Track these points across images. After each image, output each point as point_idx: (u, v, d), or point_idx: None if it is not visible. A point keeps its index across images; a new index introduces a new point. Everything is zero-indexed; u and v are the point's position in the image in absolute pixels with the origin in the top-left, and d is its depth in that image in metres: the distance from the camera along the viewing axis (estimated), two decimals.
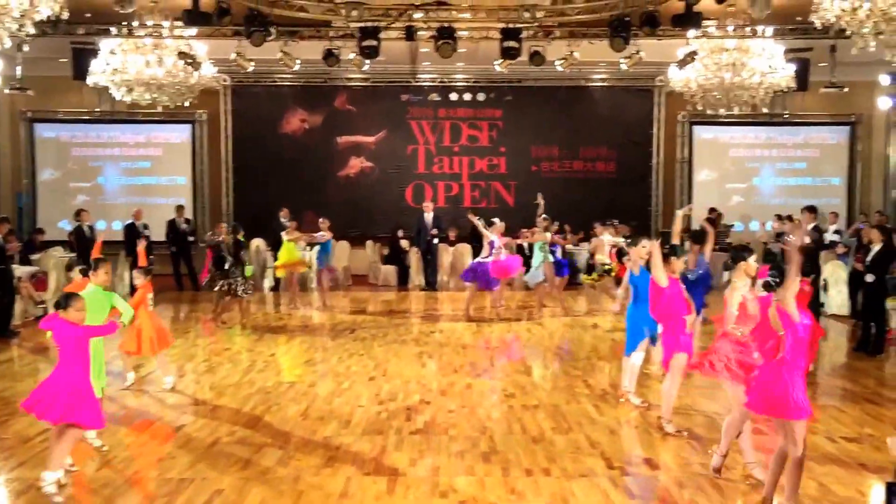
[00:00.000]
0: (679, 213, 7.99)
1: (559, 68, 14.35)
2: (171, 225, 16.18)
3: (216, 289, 11.87)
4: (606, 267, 13.40)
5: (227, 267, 11.75)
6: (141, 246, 8.70)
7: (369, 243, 17.60)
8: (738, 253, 5.95)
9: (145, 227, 15.51)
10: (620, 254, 11.44)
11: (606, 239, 14.29)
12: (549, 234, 12.69)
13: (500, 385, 8.53)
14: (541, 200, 12.33)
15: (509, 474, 5.79)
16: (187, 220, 16.67)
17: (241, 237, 12.04)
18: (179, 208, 16.64)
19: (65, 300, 5.51)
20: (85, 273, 7.07)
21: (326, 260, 14.30)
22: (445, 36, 12.52)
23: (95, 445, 6.24)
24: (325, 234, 13.91)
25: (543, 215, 12.64)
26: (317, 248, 14.61)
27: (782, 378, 4.83)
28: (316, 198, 17.91)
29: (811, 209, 12.67)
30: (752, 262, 5.85)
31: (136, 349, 7.99)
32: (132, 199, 17.98)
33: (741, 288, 5.77)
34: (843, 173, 18.87)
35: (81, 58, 14.45)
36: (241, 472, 5.84)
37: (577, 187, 18.38)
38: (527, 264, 13.82)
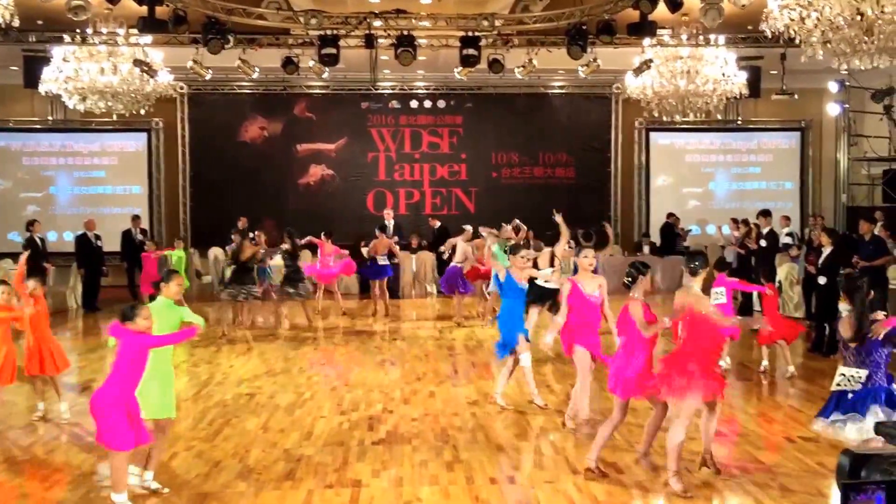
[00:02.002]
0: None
1: (518, 76, 14.47)
2: (127, 236, 15.87)
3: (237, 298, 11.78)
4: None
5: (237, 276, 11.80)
6: (23, 258, 8.16)
7: None
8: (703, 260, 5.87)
9: (97, 237, 15.19)
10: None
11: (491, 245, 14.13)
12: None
13: (463, 392, 8.51)
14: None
15: (474, 482, 5.78)
16: (143, 231, 16.37)
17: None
18: (135, 218, 16.34)
19: (130, 311, 5.26)
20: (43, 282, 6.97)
21: (268, 276, 13.12)
22: (405, 44, 12.53)
23: (153, 488, 5.71)
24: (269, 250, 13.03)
25: (515, 222, 12.75)
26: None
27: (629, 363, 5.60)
28: (276, 206, 17.77)
29: (766, 213, 12.98)
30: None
31: (38, 369, 7.38)
32: (85, 210, 17.60)
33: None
34: (795, 177, 19.33)
35: (33, 65, 14.13)
36: (200, 486, 5.73)
37: (537, 193, 18.50)
38: None
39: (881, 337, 5.05)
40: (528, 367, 7.56)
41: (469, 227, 13.34)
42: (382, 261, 13.64)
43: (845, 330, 5.18)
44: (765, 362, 9.62)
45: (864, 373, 5.07)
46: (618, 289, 6.43)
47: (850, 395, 5.12)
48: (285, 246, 12.76)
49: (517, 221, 12.84)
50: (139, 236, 15.94)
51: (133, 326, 5.22)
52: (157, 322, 5.41)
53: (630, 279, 5.77)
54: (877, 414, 4.98)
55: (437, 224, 17.06)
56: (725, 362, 9.40)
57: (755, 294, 11.05)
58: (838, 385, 5.18)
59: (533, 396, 7.74)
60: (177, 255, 13.60)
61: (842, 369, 5.20)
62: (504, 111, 18.60)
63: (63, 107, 15.87)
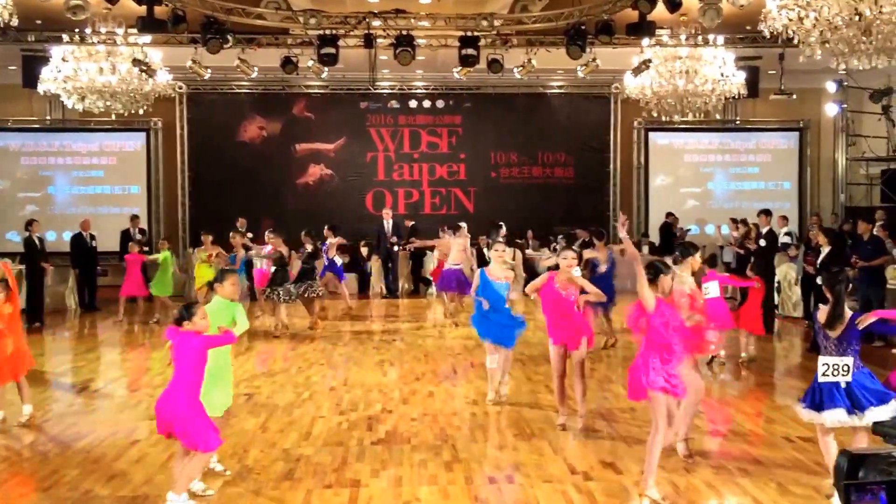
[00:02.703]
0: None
1: (517, 75, 14.48)
2: (126, 235, 15.86)
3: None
4: None
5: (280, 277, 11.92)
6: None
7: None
8: (685, 249, 6.56)
9: (93, 237, 15.18)
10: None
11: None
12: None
13: (462, 392, 8.51)
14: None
15: (473, 482, 5.78)
16: (142, 231, 16.36)
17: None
18: (134, 218, 16.33)
19: (186, 311, 5.18)
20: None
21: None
22: (404, 44, 12.53)
23: (217, 470, 5.91)
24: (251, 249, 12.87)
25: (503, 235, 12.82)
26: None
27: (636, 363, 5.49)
28: (274, 206, 17.77)
29: (766, 212, 12.97)
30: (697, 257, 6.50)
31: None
32: (84, 210, 17.59)
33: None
34: (793, 177, 19.34)
35: (32, 65, 14.12)
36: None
37: (536, 193, 18.53)
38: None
39: (862, 327, 5.17)
40: (492, 367, 7.86)
41: (464, 225, 13.46)
42: (339, 261, 13.68)
43: (822, 317, 5.31)
44: (747, 352, 9.86)
45: (849, 361, 5.18)
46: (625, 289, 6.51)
47: (843, 385, 5.18)
48: (309, 247, 12.39)
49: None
50: (138, 236, 15.93)
51: (191, 326, 5.15)
52: (215, 323, 5.36)
53: (652, 277, 5.60)
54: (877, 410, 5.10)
55: (411, 224, 17.02)
56: (720, 356, 9.58)
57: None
58: (825, 375, 5.23)
59: (489, 391, 7.96)
60: (162, 256, 13.38)
61: (824, 359, 5.26)
62: (503, 111, 18.60)
63: (62, 106, 15.85)
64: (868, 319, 5.20)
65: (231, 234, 12.85)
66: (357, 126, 18.58)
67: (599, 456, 6.32)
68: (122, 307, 13.51)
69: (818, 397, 5.25)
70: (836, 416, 5.16)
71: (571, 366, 7.00)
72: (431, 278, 13.76)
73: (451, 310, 13.15)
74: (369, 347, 11.08)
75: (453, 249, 13.10)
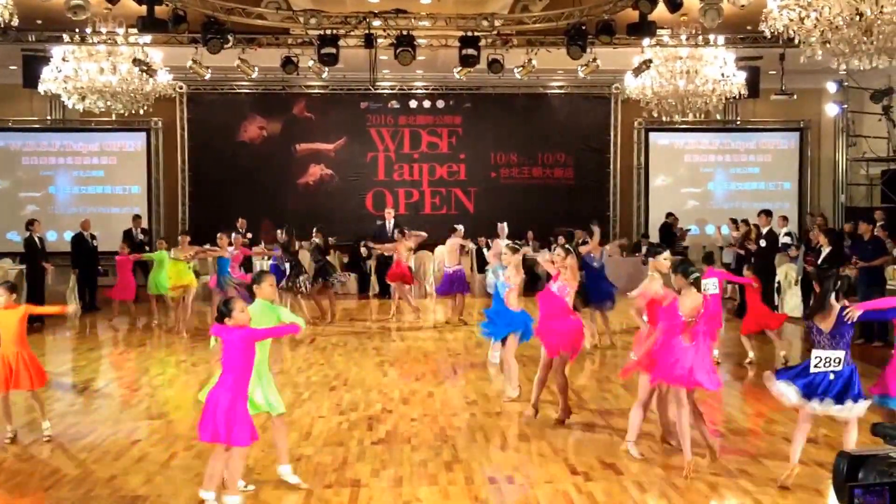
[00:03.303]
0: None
1: (517, 76, 14.46)
2: (128, 235, 15.86)
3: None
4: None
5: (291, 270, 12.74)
6: None
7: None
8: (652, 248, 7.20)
9: (93, 237, 15.18)
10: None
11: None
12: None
13: (462, 392, 8.52)
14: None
15: (473, 482, 5.78)
16: (144, 231, 16.36)
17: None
18: (136, 218, 16.35)
19: (225, 307, 5.15)
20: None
21: (226, 282, 11.78)
22: (404, 44, 12.53)
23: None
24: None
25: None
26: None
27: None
28: (275, 206, 17.77)
29: (767, 213, 12.99)
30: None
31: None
32: (84, 209, 17.59)
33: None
34: (793, 178, 19.32)
35: (32, 65, 14.10)
36: (199, 487, 5.72)
37: (536, 193, 18.52)
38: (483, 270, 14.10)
39: (848, 319, 5.43)
40: (496, 362, 8.31)
41: (460, 227, 13.51)
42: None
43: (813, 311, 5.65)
44: (751, 354, 9.82)
45: (841, 354, 5.46)
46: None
47: (832, 377, 5.46)
48: (316, 240, 13.32)
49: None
50: (140, 236, 15.93)
51: (232, 322, 5.13)
52: (257, 325, 5.33)
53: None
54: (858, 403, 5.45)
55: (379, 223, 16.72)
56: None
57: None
58: (816, 367, 5.50)
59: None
60: (157, 256, 12.93)
61: (817, 352, 5.52)
62: (503, 111, 18.59)
63: (62, 106, 15.86)
64: (855, 314, 5.42)
65: (218, 235, 12.32)
66: (357, 126, 18.58)
67: (600, 456, 6.32)
68: (115, 310, 13.44)
69: (806, 385, 5.49)
70: (825, 406, 5.43)
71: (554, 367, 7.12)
72: (388, 281, 13.82)
73: (459, 308, 13.24)
74: (369, 348, 11.08)
75: (447, 251, 13.20)
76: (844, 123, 18.66)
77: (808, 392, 5.47)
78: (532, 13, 12.48)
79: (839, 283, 5.52)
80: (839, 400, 5.41)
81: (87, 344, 11.77)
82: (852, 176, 18.95)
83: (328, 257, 13.90)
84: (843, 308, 5.45)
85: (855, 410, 5.43)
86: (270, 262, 13.90)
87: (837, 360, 5.46)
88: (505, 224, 13.76)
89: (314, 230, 13.56)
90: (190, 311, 12.38)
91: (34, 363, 6.77)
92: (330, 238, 14.21)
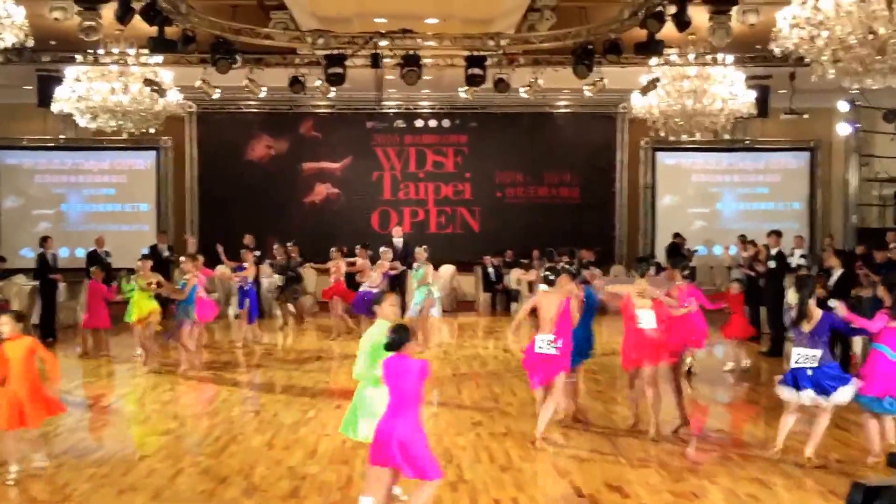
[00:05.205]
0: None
1: (524, 95, 14.51)
2: (154, 251, 15.85)
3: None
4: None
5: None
6: None
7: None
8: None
9: (107, 254, 15.25)
10: None
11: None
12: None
13: (467, 412, 8.47)
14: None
15: (477, 503, 5.74)
16: (170, 248, 16.38)
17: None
18: (161, 233, 16.55)
19: (401, 335, 4.88)
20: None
21: (185, 313, 10.64)
22: (411, 63, 12.59)
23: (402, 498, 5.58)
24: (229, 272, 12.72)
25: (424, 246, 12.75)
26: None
27: None
28: (281, 224, 17.81)
29: (776, 233, 12.88)
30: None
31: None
32: (95, 227, 17.68)
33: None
34: (804, 198, 19.22)
35: (46, 85, 14.27)
36: (207, 503, 5.71)
37: (541, 213, 18.50)
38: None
39: (840, 318, 6.43)
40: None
41: (386, 250, 13.30)
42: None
43: (795, 316, 6.49)
44: (730, 364, 10.13)
45: (818, 352, 6.33)
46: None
47: (809, 372, 6.32)
48: (278, 257, 14.54)
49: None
50: (166, 252, 15.95)
51: (407, 350, 4.89)
52: (377, 346, 5.20)
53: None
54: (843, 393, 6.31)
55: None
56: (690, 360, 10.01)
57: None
58: (797, 363, 6.40)
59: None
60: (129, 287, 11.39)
61: (797, 350, 6.43)
62: (509, 130, 18.62)
63: (74, 125, 15.97)
64: (842, 311, 6.47)
65: (183, 258, 11.57)
66: (363, 145, 18.65)
67: (605, 478, 6.27)
68: (85, 342, 11.94)
69: (793, 379, 6.40)
70: (808, 395, 6.33)
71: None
72: (323, 298, 13.95)
73: (343, 329, 12.95)
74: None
75: (374, 272, 12.84)
76: (856, 143, 18.55)
77: (791, 384, 6.40)
78: (538, 32, 12.53)
79: (813, 289, 6.52)
80: (818, 392, 6.29)
81: (98, 360, 11.72)
82: (864, 196, 18.83)
83: (298, 271, 14.93)
84: (826, 314, 6.43)
85: (830, 400, 6.30)
86: (239, 285, 13.04)
87: (814, 358, 6.30)
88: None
89: (276, 247, 14.75)
90: (154, 343, 11.14)
91: (40, 396, 6.31)
92: (293, 255, 14.96)
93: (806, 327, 6.35)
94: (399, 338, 4.87)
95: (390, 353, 4.91)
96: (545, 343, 6.96)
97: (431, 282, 12.45)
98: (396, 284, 14.28)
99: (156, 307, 11.16)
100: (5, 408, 6.13)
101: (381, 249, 13.18)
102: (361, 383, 5.59)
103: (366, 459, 5.18)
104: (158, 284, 11.07)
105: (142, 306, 10.94)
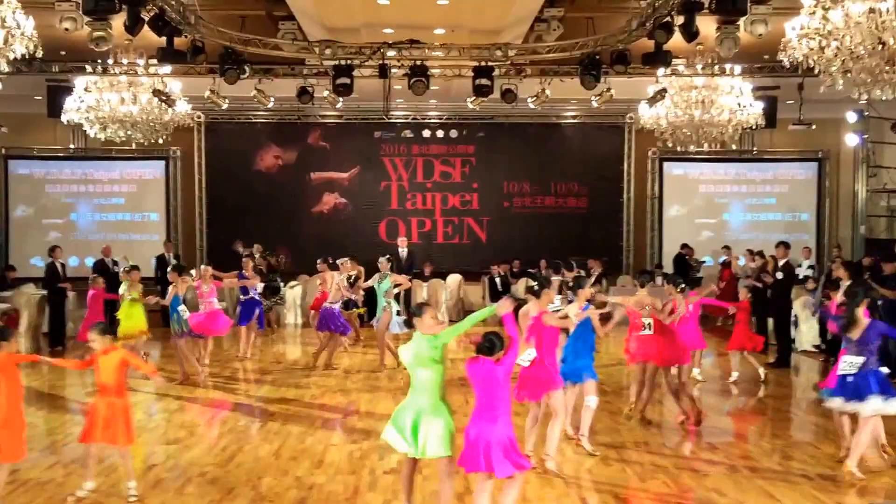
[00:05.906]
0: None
1: (531, 105, 14.53)
2: (160, 260, 15.96)
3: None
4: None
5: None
6: None
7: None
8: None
9: (115, 263, 15.32)
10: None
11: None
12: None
13: None
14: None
15: None
16: (177, 256, 16.47)
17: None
18: (168, 243, 16.61)
19: (494, 343, 5.08)
20: None
21: (179, 324, 10.42)
22: (418, 73, 12.64)
23: None
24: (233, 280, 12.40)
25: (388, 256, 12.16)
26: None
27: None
28: (289, 234, 17.90)
29: (784, 244, 12.84)
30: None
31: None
32: (105, 236, 17.79)
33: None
34: (812, 209, 19.16)
35: (56, 95, 14.37)
36: None
37: (548, 223, 18.50)
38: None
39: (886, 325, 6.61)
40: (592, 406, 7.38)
41: (344, 261, 12.25)
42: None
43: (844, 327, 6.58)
44: (735, 374, 10.46)
45: (860, 360, 6.40)
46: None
47: (849, 379, 6.40)
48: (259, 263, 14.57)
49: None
50: (173, 261, 16.00)
51: (495, 357, 5.08)
52: (421, 359, 5.37)
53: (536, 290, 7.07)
54: (875, 400, 6.31)
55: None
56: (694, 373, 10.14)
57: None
58: (843, 370, 6.50)
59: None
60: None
61: (845, 357, 6.51)
62: (516, 141, 18.65)
63: (84, 135, 16.08)
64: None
65: (169, 270, 11.25)
66: (371, 155, 18.70)
67: (613, 491, 6.24)
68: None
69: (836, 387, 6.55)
70: (836, 402, 6.55)
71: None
72: (310, 309, 13.66)
73: (330, 350, 11.71)
74: (382, 376, 11.04)
75: (333, 287, 11.79)
76: (865, 154, 18.50)
77: (836, 393, 6.53)
78: (546, 43, 12.56)
79: (864, 297, 6.49)
80: (850, 398, 6.37)
81: None
82: (872, 207, 18.75)
83: (279, 281, 15.34)
84: (874, 321, 6.44)
85: (864, 408, 6.27)
86: (243, 293, 12.93)
87: (857, 364, 6.38)
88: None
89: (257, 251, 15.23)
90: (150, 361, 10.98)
91: (126, 417, 6.16)
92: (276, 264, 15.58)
93: (853, 335, 6.48)
94: (492, 344, 5.09)
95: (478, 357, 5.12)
96: (524, 357, 6.80)
97: (395, 294, 11.79)
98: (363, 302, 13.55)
99: (144, 327, 10.77)
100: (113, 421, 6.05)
101: (379, 260, 12.05)
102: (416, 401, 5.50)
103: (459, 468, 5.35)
104: (145, 299, 10.78)
105: (129, 326, 10.49)
